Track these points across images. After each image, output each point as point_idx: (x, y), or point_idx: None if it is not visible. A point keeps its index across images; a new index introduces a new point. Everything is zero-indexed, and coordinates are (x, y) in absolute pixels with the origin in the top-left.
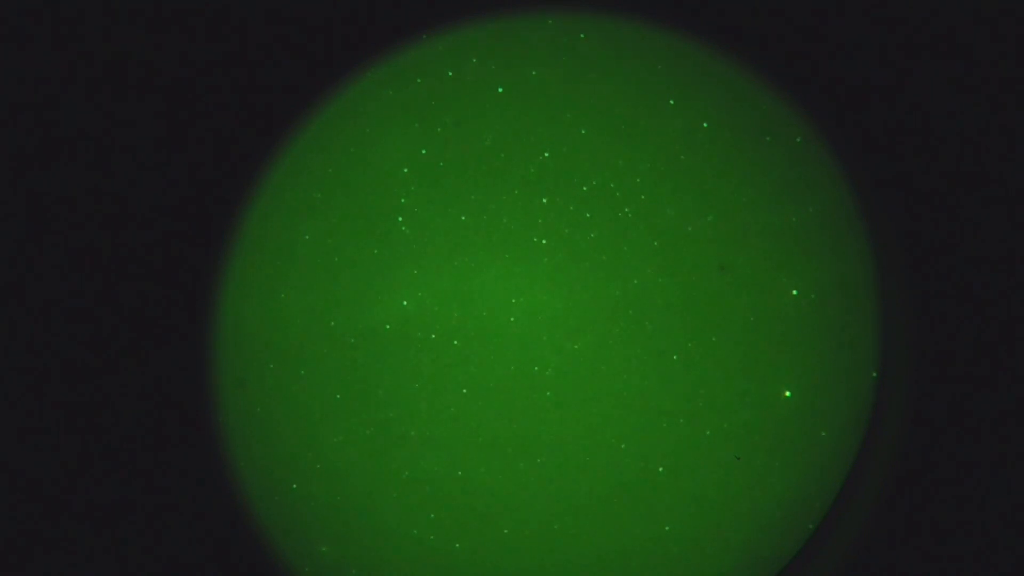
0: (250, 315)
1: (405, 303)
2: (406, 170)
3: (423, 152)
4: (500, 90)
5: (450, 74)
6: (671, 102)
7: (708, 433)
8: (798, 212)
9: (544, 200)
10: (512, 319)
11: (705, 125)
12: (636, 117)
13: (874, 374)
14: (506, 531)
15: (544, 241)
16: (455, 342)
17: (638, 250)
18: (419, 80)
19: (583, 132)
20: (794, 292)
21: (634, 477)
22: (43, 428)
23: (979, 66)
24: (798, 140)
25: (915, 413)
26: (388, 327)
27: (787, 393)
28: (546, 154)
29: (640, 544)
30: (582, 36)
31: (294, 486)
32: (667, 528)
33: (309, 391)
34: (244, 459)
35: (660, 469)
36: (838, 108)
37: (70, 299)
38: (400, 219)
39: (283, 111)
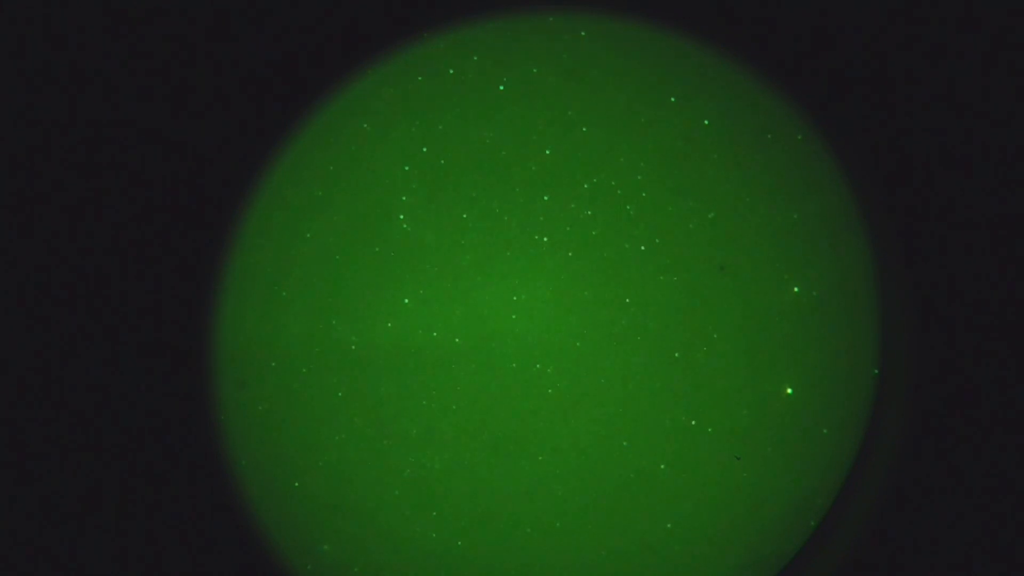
0: (251, 314)
1: (406, 301)
2: (407, 168)
3: (424, 150)
4: (501, 88)
5: (451, 72)
6: (672, 100)
7: (710, 431)
8: (798, 210)
9: (545, 198)
10: (513, 317)
11: (706, 123)
12: (637, 115)
13: (875, 371)
14: (508, 529)
15: (545, 239)
16: (456, 340)
17: (639, 248)
18: (420, 78)
19: (584, 130)
20: (795, 290)
21: (636, 475)
22: (43, 428)
23: (980, 65)
24: (798, 139)
25: (916, 410)
26: (389, 325)
27: (788, 390)
28: (547, 152)
29: (641, 542)
30: (583, 34)
31: (295, 484)
32: (669, 526)
33: (310, 389)
34: (244, 458)
35: (662, 467)
36: (838, 108)
37: (70, 299)
38: (401, 217)
39: (284, 110)
